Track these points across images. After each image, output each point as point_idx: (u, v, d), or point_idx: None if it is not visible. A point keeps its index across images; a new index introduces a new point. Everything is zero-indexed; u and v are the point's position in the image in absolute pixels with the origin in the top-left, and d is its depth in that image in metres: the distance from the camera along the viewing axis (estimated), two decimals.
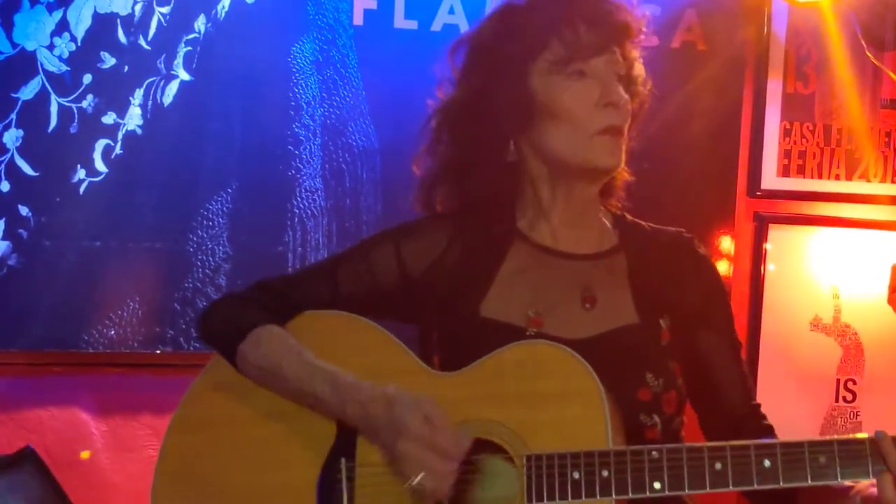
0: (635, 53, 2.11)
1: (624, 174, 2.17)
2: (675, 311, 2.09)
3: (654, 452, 1.86)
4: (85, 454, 3.08)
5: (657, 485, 1.85)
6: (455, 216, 2.16)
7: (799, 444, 1.85)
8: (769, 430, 2.15)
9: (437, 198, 2.18)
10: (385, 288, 2.13)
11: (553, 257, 2.11)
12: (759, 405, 2.18)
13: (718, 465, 1.84)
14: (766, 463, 1.84)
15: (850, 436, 1.86)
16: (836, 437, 1.86)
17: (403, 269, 2.12)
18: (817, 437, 1.87)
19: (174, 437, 2.11)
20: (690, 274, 2.15)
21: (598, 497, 1.85)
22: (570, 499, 1.86)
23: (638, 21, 2.09)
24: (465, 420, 1.93)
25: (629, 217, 2.20)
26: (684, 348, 2.09)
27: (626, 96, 2.05)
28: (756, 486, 1.84)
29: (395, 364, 2.02)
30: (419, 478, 1.85)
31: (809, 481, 1.83)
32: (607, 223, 2.18)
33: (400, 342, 2.05)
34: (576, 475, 1.86)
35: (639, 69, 2.12)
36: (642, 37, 2.11)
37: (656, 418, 1.99)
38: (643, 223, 2.20)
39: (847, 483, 1.89)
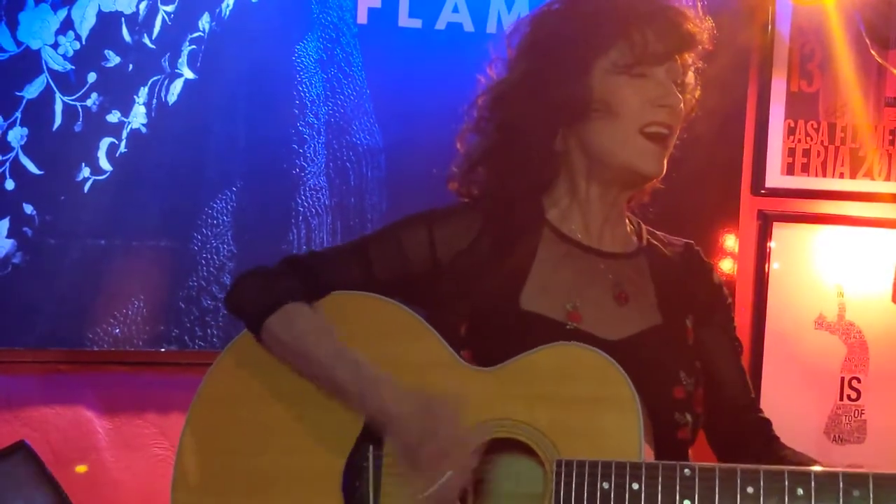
0: (691, 61, 2.12)
1: (655, 182, 2.17)
2: (695, 310, 2.12)
3: (686, 470, 1.83)
4: (81, 468, 3.08)
5: (687, 502, 1.82)
6: (484, 204, 2.14)
7: (834, 475, 1.80)
8: (766, 423, 2.16)
9: (476, 178, 2.17)
10: (416, 271, 2.10)
11: (584, 252, 2.10)
12: (755, 399, 2.20)
13: (750, 490, 1.81)
14: (800, 491, 1.80)
15: (887, 472, 1.81)
16: (872, 472, 1.81)
17: (434, 253, 2.09)
18: (851, 470, 1.82)
19: (200, 411, 2.10)
20: (700, 276, 2.19)
21: None
22: None
23: (703, 32, 2.09)
24: (495, 418, 1.93)
25: (644, 225, 2.22)
26: (701, 345, 2.11)
27: (681, 101, 2.06)
28: None
29: (429, 355, 2.00)
30: (446, 477, 1.85)
31: None
32: (631, 226, 2.19)
33: (434, 331, 2.02)
34: (605, 485, 1.84)
35: (691, 77, 2.13)
36: (702, 46, 2.12)
37: (688, 417, 2.00)
38: (656, 232, 2.23)
39: None
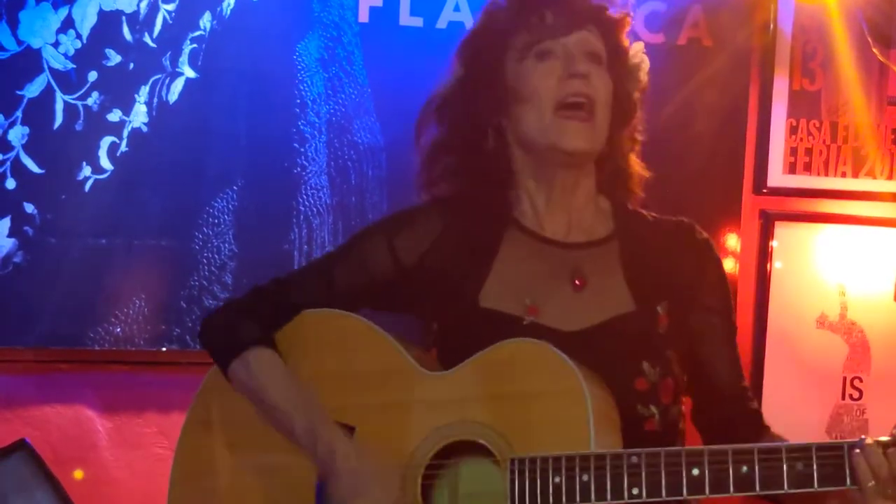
0: (629, 43, 2.15)
1: (633, 166, 2.19)
2: (673, 294, 2.10)
3: (633, 457, 1.85)
4: (78, 474, 3.08)
5: (635, 490, 1.84)
6: (450, 201, 2.18)
7: (776, 450, 1.82)
8: (756, 414, 2.15)
9: (433, 179, 2.20)
10: (380, 280, 2.16)
11: (544, 245, 2.12)
12: (748, 388, 2.18)
13: (696, 472, 1.83)
14: (744, 469, 1.81)
15: (829, 441, 1.82)
16: (814, 443, 1.83)
17: (397, 260, 2.15)
18: (796, 443, 1.84)
19: (189, 433, 2.19)
20: (688, 256, 2.16)
21: (579, 501, 1.85)
22: (551, 503, 1.87)
23: (618, 9, 2.13)
24: (452, 422, 1.96)
25: (631, 207, 2.21)
26: (681, 331, 2.10)
27: (594, 75, 2.07)
28: (733, 493, 1.82)
29: (386, 364, 2.05)
30: None
31: (786, 489, 1.81)
32: (605, 212, 2.19)
33: (393, 340, 2.08)
34: (557, 479, 1.86)
35: (637, 57, 2.15)
36: (629, 20, 2.15)
37: (653, 409, 2.00)
38: (645, 213, 2.21)
39: None
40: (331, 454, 1.99)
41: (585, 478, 1.85)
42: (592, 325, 2.04)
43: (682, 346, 2.09)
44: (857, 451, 1.80)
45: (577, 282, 2.08)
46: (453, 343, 2.04)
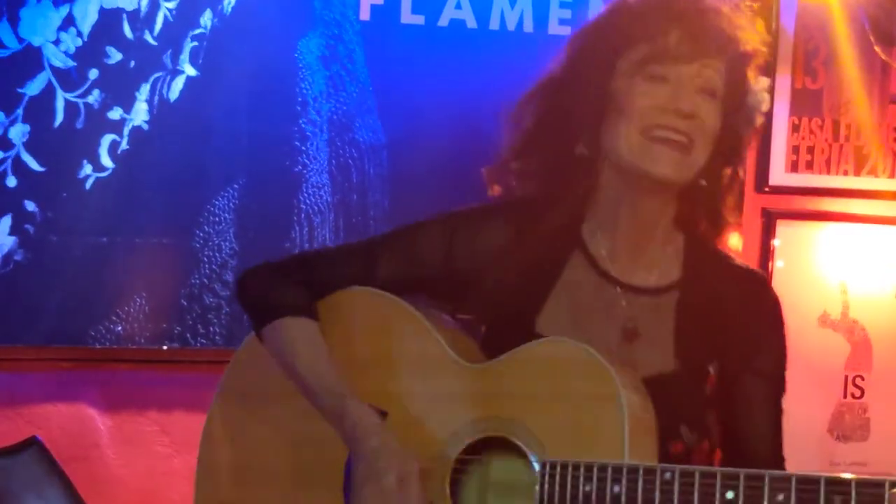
0: (754, 79, 2.00)
1: (727, 207, 2.07)
2: (727, 354, 2.02)
3: (667, 473, 1.80)
4: None
5: None
6: (521, 207, 2.08)
7: (815, 481, 1.74)
8: None
9: (512, 174, 2.10)
10: (427, 273, 2.09)
11: (606, 281, 2.02)
12: (783, 460, 2.08)
13: (730, 495, 1.77)
14: (780, 497, 1.74)
15: (870, 477, 1.78)
16: (854, 476, 1.75)
17: (450, 258, 2.06)
18: (835, 475, 1.77)
19: (219, 407, 2.16)
20: (752, 313, 2.06)
21: None
22: None
23: (751, 39, 1.97)
24: (486, 417, 1.94)
25: (712, 246, 2.09)
26: (728, 392, 2.03)
27: (703, 110, 1.93)
28: None
29: (424, 352, 2.02)
30: None
31: None
32: (677, 253, 2.07)
33: (432, 326, 2.03)
34: (587, 488, 1.83)
35: (757, 97, 2.01)
36: (762, 54, 2.00)
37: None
38: (724, 253, 2.10)
39: None
40: (353, 430, 1.95)
41: (616, 489, 1.82)
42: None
43: (726, 407, 2.03)
44: None
45: (630, 333, 2.01)
46: (500, 348, 1.98)
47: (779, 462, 2.06)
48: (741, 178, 2.10)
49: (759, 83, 2.01)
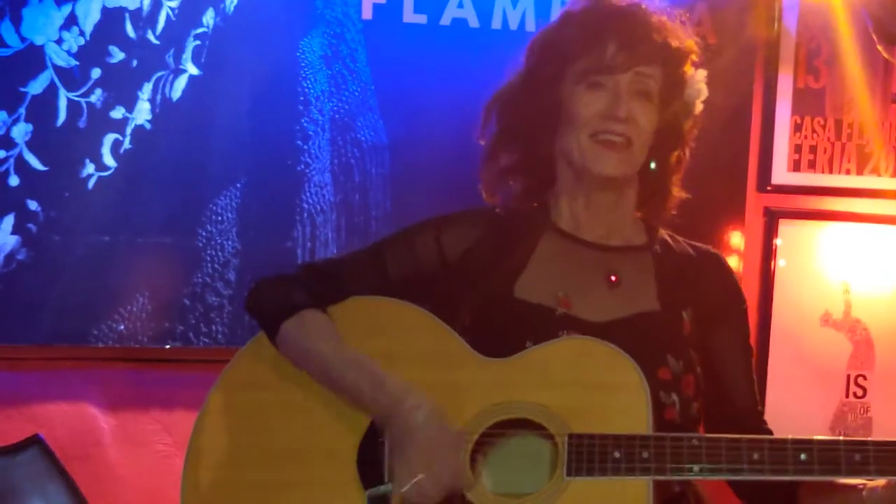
0: (691, 73, 2.22)
1: (673, 188, 2.28)
2: (697, 306, 2.18)
3: (694, 440, 1.95)
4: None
5: (696, 467, 1.94)
6: (494, 211, 2.27)
7: (835, 442, 1.94)
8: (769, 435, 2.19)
9: (492, 177, 2.28)
10: (427, 271, 2.21)
11: (582, 246, 2.20)
12: (762, 412, 2.26)
13: (756, 455, 1.93)
14: (803, 456, 1.93)
15: (886, 439, 1.94)
16: (871, 439, 1.95)
17: (443, 254, 2.21)
18: (851, 438, 1.96)
19: (219, 396, 2.19)
20: (714, 278, 2.25)
21: (638, 475, 1.94)
22: (609, 475, 1.94)
23: (684, 42, 2.20)
24: (509, 401, 2.03)
25: (664, 231, 2.29)
26: (702, 343, 2.17)
27: (638, 113, 2.13)
28: (792, 477, 1.94)
29: (444, 348, 2.11)
30: (411, 484, 1.97)
31: (844, 476, 1.94)
32: (638, 224, 2.27)
33: (447, 326, 2.12)
34: (616, 454, 1.94)
35: (695, 88, 2.23)
36: (695, 48, 2.22)
37: (675, 397, 2.08)
38: (677, 237, 2.30)
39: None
40: (397, 392, 2.04)
41: (646, 454, 1.94)
42: (621, 318, 2.12)
43: (703, 356, 2.17)
44: None
45: (612, 278, 2.17)
46: (488, 332, 2.11)
47: (758, 414, 2.25)
48: (686, 158, 2.30)
49: (696, 76, 2.24)
